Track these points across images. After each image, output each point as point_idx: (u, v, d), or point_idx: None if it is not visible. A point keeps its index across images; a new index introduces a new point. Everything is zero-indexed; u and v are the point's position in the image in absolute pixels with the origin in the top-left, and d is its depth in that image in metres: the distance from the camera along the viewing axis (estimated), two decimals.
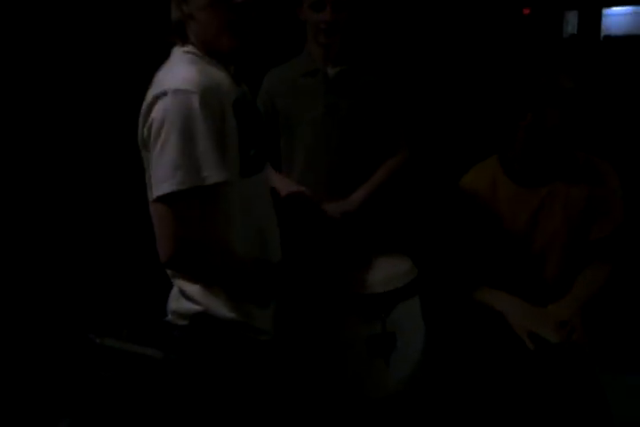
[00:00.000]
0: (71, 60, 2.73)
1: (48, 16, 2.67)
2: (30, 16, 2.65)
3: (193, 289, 1.41)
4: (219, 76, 1.38)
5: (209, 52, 1.40)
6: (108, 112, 2.77)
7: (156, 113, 1.27)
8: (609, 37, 6.22)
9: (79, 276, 2.70)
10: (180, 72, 1.31)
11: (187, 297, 1.43)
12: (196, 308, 1.42)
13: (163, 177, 1.26)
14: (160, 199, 1.28)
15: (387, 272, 1.85)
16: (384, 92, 2.16)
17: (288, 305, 1.56)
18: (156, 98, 1.27)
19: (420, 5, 3.64)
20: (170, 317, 1.48)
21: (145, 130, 1.32)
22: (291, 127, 2.19)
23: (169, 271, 1.46)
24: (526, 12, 4.62)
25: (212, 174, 1.27)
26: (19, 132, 2.66)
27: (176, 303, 1.46)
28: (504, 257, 1.88)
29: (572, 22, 5.84)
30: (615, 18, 6.60)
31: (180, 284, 1.45)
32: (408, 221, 2.20)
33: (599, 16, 5.98)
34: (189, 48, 1.40)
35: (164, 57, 1.43)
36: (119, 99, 2.63)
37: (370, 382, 1.80)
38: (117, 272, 2.75)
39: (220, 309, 1.41)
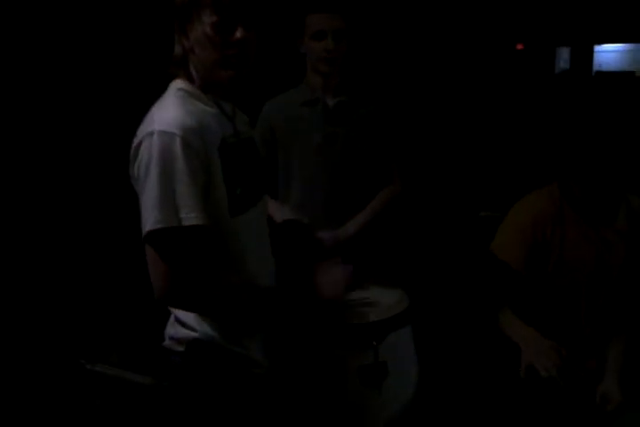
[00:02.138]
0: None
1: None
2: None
3: (189, 316, 1.43)
4: (207, 115, 1.41)
5: (207, 86, 1.44)
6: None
7: (142, 153, 1.31)
8: (600, 72, 6.34)
9: (71, 300, 2.70)
10: (167, 112, 1.35)
11: (182, 324, 1.45)
12: (192, 334, 1.44)
13: (144, 216, 1.30)
14: (145, 239, 1.30)
15: (378, 301, 1.87)
16: (380, 124, 2.22)
17: (281, 335, 1.56)
18: (143, 138, 1.32)
19: (417, 39, 3.72)
20: (167, 342, 1.50)
21: (134, 168, 1.36)
22: (289, 155, 2.23)
23: None
24: (519, 47, 4.72)
25: (189, 217, 1.29)
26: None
27: (173, 329, 1.49)
28: (549, 285, 1.88)
29: (564, 58, 5.94)
30: (607, 55, 6.73)
31: (175, 311, 1.47)
32: (401, 249, 2.21)
33: (591, 52, 6.09)
34: (184, 84, 1.44)
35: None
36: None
37: (364, 411, 1.79)
38: (110, 297, 2.75)
39: (216, 337, 1.43)
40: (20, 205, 2.68)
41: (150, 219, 1.28)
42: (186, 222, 1.29)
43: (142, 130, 1.35)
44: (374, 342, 1.77)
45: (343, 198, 2.18)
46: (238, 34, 1.38)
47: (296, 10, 2.15)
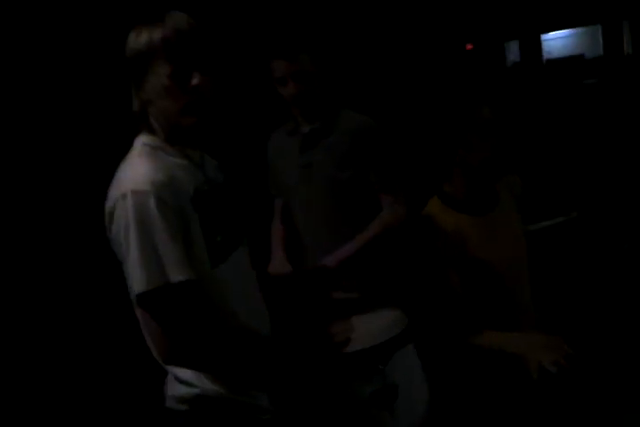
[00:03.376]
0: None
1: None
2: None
3: (186, 373, 1.40)
4: (177, 167, 1.40)
5: (171, 136, 1.43)
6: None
7: (118, 217, 1.29)
8: (550, 61, 6.46)
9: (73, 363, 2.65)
10: (136, 170, 1.33)
11: (181, 381, 1.42)
12: (192, 391, 1.40)
13: (132, 279, 1.28)
14: (137, 302, 1.29)
15: (378, 323, 1.85)
16: (355, 148, 2.11)
17: (284, 377, 1.54)
18: (116, 201, 1.30)
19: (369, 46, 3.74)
20: (169, 402, 1.47)
21: (112, 233, 1.33)
22: (281, 186, 2.23)
23: None
24: (469, 47, 4.79)
25: (176, 273, 1.27)
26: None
27: (172, 388, 1.45)
28: (485, 289, 1.89)
29: (513, 50, 6.05)
30: (554, 41, 6.87)
31: (172, 369, 1.44)
32: (393, 269, 2.19)
33: (539, 42, 6.20)
34: (147, 139, 1.42)
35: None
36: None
37: None
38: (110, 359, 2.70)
39: (217, 389, 1.40)
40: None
41: (137, 281, 1.26)
42: (173, 279, 1.27)
43: (113, 193, 1.33)
44: (380, 366, 1.76)
45: (340, 224, 2.13)
46: (195, 80, 1.37)
47: (259, 56, 2.14)
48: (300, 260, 2.17)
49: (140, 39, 1.37)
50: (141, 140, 1.43)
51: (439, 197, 1.95)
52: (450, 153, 1.88)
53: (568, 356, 1.65)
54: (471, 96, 1.89)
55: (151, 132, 1.43)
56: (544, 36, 6.43)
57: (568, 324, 2.61)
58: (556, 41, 6.89)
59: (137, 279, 1.26)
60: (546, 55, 6.46)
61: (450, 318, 1.84)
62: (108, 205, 1.33)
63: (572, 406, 1.87)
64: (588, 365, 1.88)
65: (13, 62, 2.64)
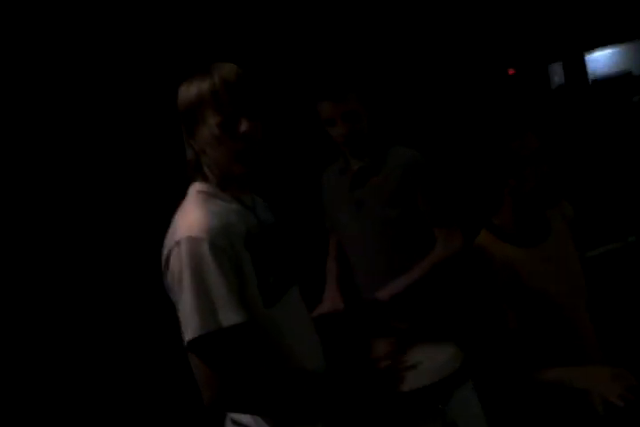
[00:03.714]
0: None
1: None
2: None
3: (243, 416, 1.42)
4: (230, 212, 1.43)
5: (224, 182, 1.47)
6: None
7: (173, 263, 1.33)
8: (596, 81, 6.35)
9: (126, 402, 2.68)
10: (191, 217, 1.37)
11: (238, 424, 1.43)
12: None
13: (185, 324, 1.30)
14: (189, 347, 1.31)
15: (435, 360, 1.82)
16: (411, 179, 2.10)
17: (340, 416, 1.53)
18: (172, 248, 1.34)
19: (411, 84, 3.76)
20: None
21: (167, 279, 1.38)
22: (335, 222, 2.24)
23: None
24: (511, 72, 4.75)
25: (228, 317, 1.29)
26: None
27: None
28: (543, 322, 1.85)
29: (558, 72, 5.97)
30: (599, 60, 6.76)
31: (230, 413, 1.46)
32: (447, 303, 2.15)
33: (583, 62, 6.11)
34: (201, 186, 1.47)
35: None
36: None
37: None
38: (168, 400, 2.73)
39: None
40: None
41: (190, 326, 1.28)
42: (225, 323, 1.29)
43: (169, 240, 1.37)
44: (440, 405, 1.72)
45: (389, 259, 2.12)
46: (243, 127, 1.41)
47: (305, 99, 2.18)
48: (354, 296, 2.17)
49: (190, 91, 1.42)
50: (196, 188, 1.47)
51: (489, 229, 1.93)
52: (499, 184, 1.87)
53: (634, 388, 1.59)
54: (517, 124, 1.88)
55: (204, 179, 1.47)
56: (588, 57, 6.35)
57: (632, 354, 2.52)
58: (601, 59, 6.79)
59: (190, 325, 1.28)
60: (591, 75, 6.36)
61: (508, 355, 1.79)
62: (165, 251, 1.37)
63: None
64: None
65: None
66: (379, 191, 2.12)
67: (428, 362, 1.81)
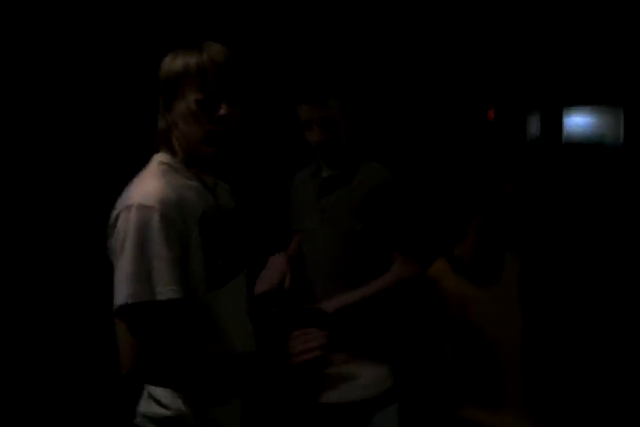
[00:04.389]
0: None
1: None
2: None
3: (161, 393, 1.38)
4: (189, 188, 1.40)
5: (189, 159, 1.44)
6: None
7: (119, 226, 1.30)
8: (569, 144, 6.48)
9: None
10: (147, 186, 1.34)
11: (156, 401, 1.39)
12: (164, 412, 1.38)
13: (117, 289, 1.27)
14: (117, 313, 1.27)
15: (364, 379, 1.80)
16: (379, 198, 2.05)
17: (259, 409, 1.50)
18: (121, 211, 1.30)
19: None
20: (139, 419, 1.43)
21: (111, 240, 1.33)
22: (298, 224, 2.22)
23: None
24: (491, 116, 4.83)
25: (165, 291, 1.26)
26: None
27: (145, 407, 1.43)
28: (477, 361, 1.84)
29: (535, 125, 6.09)
30: (575, 120, 6.92)
31: (148, 387, 1.42)
32: (389, 325, 2.13)
33: (560, 117, 6.24)
34: (166, 158, 1.43)
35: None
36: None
37: None
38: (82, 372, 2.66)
39: (189, 414, 1.37)
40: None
41: (122, 292, 1.25)
42: (160, 297, 1.25)
43: (121, 202, 1.33)
44: (360, 422, 1.70)
45: (344, 270, 2.06)
46: (222, 111, 1.38)
47: (288, 97, 2.15)
48: (303, 298, 2.13)
49: (176, 62, 1.39)
50: (159, 158, 1.44)
51: (447, 259, 1.94)
52: (467, 219, 1.90)
53: None
54: (495, 168, 1.92)
55: (171, 151, 1.44)
56: (566, 116, 6.49)
57: (559, 415, 2.54)
58: (578, 120, 6.96)
59: (122, 291, 1.25)
60: (565, 137, 6.49)
61: (438, 385, 1.79)
62: (113, 214, 1.33)
63: None
64: None
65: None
66: (344, 202, 2.10)
67: (358, 380, 1.79)
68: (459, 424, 1.76)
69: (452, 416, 1.77)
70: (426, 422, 1.85)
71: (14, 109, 2.75)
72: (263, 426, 1.54)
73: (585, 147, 6.35)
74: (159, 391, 1.38)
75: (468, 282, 1.87)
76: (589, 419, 2.72)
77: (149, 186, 1.33)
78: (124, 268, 1.26)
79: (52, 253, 2.81)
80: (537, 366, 2.09)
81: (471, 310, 1.83)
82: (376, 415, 1.74)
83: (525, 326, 1.97)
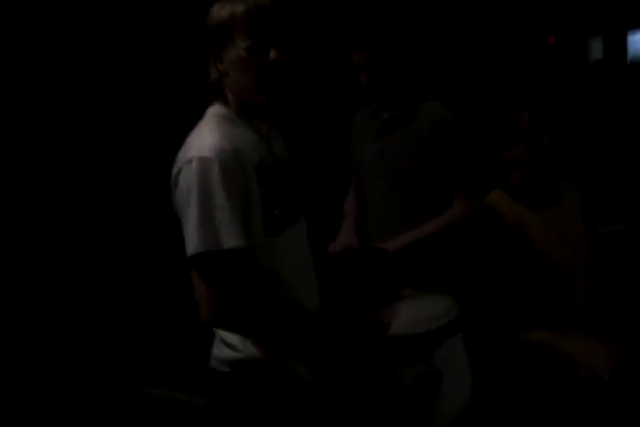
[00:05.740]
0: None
1: None
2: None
3: (232, 337, 1.45)
4: (244, 139, 1.43)
5: (242, 108, 1.46)
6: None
7: (182, 181, 1.35)
8: (636, 64, 6.16)
9: (123, 324, 2.74)
10: (204, 138, 1.38)
11: (227, 344, 1.47)
12: (236, 355, 1.45)
13: (187, 240, 1.33)
14: (189, 263, 1.33)
15: (429, 311, 1.85)
16: (440, 137, 2.07)
17: (330, 351, 1.57)
18: (182, 166, 1.35)
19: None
20: (212, 362, 1.52)
21: (175, 196, 1.39)
22: (358, 164, 2.24)
23: None
24: (551, 41, 4.64)
25: (229, 240, 1.31)
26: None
27: (218, 350, 1.50)
28: (540, 283, 1.86)
29: (597, 48, 5.81)
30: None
31: (220, 332, 1.49)
32: (451, 257, 2.16)
33: (624, 40, 5.94)
34: (219, 109, 1.46)
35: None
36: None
37: (419, 421, 1.79)
38: (160, 319, 2.79)
39: (260, 356, 1.44)
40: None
41: (192, 243, 1.31)
42: (225, 246, 1.31)
43: (181, 157, 1.38)
44: (427, 353, 1.76)
45: (403, 212, 2.11)
46: (272, 55, 1.39)
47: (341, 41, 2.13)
48: (364, 238, 2.18)
49: (222, 11, 1.40)
50: (214, 110, 1.47)
51: (503, 188, 1.94)
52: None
53: (622, 365, 1.62)
54: (515, 100, 1.88)
55: (224, 102, 1.46)
56: (631, 38, 6.15)
57: (623, 332, 2.54)
58: None
59: (191, 241, 1.31)
60: (631, 57, 6.17)
61: (501, 310, 1.82)
62: (175, 169, 1.38)
63: (619, 416, 1.83)
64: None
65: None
66: (405, 142, 2.10)
67: (423, 312, 1.85)
68: (524, 347, 1.80)
69: (517, 339, 1.81)
70: (492, 349, 1.90)
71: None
72: (333, 363, 1.61)
73: None
74: (229, 335, 1.45)
75: (526, 206, 1.88)
76: None
77: (207, 139, 1.37)
78: (190, 220, 1.32)
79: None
80: (604, 290, 2.08)
81: (532, 233, 1.84)
82: (442, 345, 1.79)
83: (590, 253, 1.97)
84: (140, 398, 2.29)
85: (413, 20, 3.46)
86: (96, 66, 2.87)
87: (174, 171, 1.38)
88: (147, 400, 2.29)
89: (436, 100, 2.17)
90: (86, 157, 2.93)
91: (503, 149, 1.89)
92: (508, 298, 1.81)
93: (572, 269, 1.88)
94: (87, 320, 2.70)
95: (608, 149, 4.66)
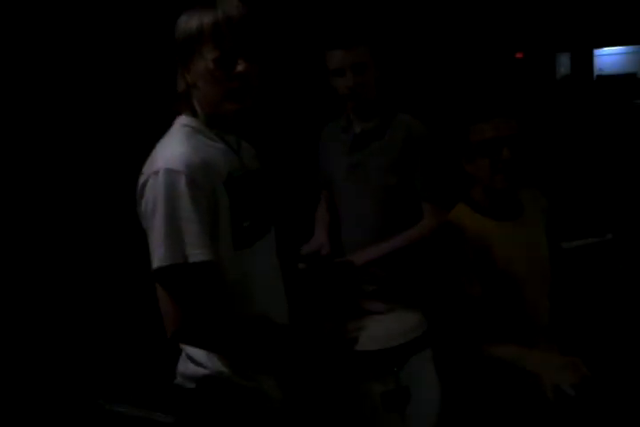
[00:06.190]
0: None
1: None
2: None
3: (198, 352, 1.42)
4: (213, 150, 1.42)
5: (211, 120, 1.44)
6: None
7: (148, 192, 1.32)
8: (601, 77, 6.31)
9: (87, 341, 2.69)
10: (173, 149, 1.35)
11: (193, 360, 1.44)
12: (202, 371, 1.43)
13: (153, 253, 1.30)
14: (154, 276, 1.31)
15: (398, 325, 1.84)
16: (413, 150, 2.07)
17: (297, 366, 1.54)
18: (149, 176, 1.32)
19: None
20: (178, 379, 1.49)
21: (141, 206, 1.36)
22: (328, 180, 2.22)
23: None
24: (519, 55, 4.71)
25: (195, 253, 1.29)
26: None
27: (183, 366, 1.48)
28: (505, 298, 1.87)
29: (564, 64, 5.94)
30: (608, 58, 6.72)
31: (185, 347, 1.46)
32: (418, 271, 2.16)
33: (591, 56, 6.08)
34: (188, 120, 1.44)
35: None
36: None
37: None
38: (125, 335, 2.74)
39: (226, 372, 1.42)
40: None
41: (157, 255, 1.29)
42: (192, 259, 1.29)
43: (148, 168, 1.36)
44: (395, 368, 1.75)
45: (377, 225, 2.11)
46: (240, 67, 1.38)
47: (314, 47, 2.11)
48: (337, 251, 2.17)
49: (190, 22, 1.39)
50: (182, 121, 1.45)
51: (465, 202, 1.95)
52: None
53: (586, 379, 1.62)
54: (475, 112, 1.87)
55: (192, 114, 1.45)
56: (597, 52, 6.31)
57: (586, 347, 2.56)
58: (610, 57, 6.75)
59: (157, 254, 1.29)
60: (597, 71, 6.33)
61: (467, 325, 1.82)
62: (141, 180, 1.35)
63: None
64: (605, 389, 1.84)
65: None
66: (379, 157, 2.09)
67: (392, 326, 1.84)
68: (489, 363, 1.80)
69: (482, 354, 1.80)
70: (459, 363, 1.89)
71: (28, 87, 2.76)
72: (301, 378, 1.59)
73: (616, 80, 6.18)
74: (195, 351, 1.42)
75: (489, 219, 1.89)
76: (620, 355, 2.75)
77: (175, 150, 1.35)
78: (155, 232, 1.29)
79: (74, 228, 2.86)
80: (567, 304, 2.10)
81: (495, 246, 1.85)
82: (411, 359, 1.78)
83: (554, 266, 1.98)
84: (103, 416, 2.24)
85: (391, 24, 3.49)
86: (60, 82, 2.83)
87: (140, 181, 1.36)
88: (110, 417, 2.24)
89: (406, 113, 2.17)
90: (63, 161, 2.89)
91: (465, 162, 1.89)
92: (472, 312, 1.81)
93: (533, 282, 1.90)
94: (49, 335, 2.64)
95: (575, 161, 4.73)
